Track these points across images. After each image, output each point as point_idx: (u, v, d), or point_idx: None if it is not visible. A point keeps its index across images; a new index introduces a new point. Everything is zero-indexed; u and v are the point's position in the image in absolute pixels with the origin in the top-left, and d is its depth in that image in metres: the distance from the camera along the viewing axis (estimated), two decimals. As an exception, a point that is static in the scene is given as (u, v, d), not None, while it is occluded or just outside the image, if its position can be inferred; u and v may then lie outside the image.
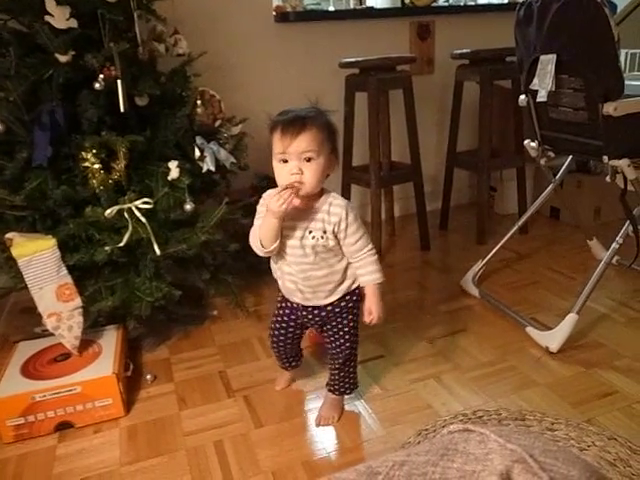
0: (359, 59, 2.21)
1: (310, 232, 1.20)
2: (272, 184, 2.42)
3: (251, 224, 2.29)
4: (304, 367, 1.60)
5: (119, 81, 1.50)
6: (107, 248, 1.51)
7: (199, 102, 1.77)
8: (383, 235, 2.47)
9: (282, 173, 1.17)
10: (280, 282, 1.35)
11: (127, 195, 1.52)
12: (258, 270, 2.24)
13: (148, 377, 1.59)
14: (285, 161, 1.15)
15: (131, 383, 1.56)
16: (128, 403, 1.47)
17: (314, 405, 1.43)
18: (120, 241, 1.51)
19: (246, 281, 2.10)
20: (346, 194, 2.52)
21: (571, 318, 1.55)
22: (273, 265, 1.35)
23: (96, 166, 1.48)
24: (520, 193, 2.50)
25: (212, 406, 1.46)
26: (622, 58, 3.32)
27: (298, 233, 1.21)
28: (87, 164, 1.48)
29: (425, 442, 0.31)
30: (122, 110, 1.53)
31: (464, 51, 2.32)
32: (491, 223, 2.57)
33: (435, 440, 0.35)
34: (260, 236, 1.21)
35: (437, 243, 2.50)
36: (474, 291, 1.94)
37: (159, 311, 1.71)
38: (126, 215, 1.51)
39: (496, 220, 2.69)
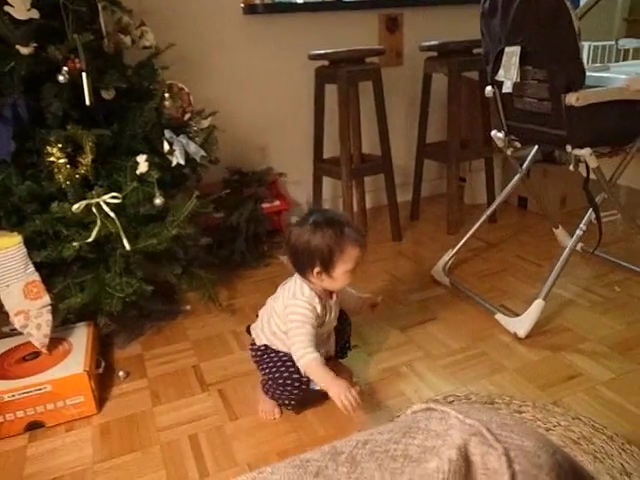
0: (328, 51, 2.21)
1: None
2: (244, 178, 2.44)
3: (223, 219, 2.28)
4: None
5: (84, 74, 1.47)
6: (75, 244, 1.48)
7: (167, 95, 1.75)
8: (355, 227, 2.48)
9: (345, 281, 1.30)
10: None
11: (95, 190, 1.49)
12: (231, 264, 2.24)
13: (121, 374, 1.57)
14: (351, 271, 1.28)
15: (103, 380, 1.54)
16: (100, 400, 1.46)
17: (289, 396, 1.44)
18: (88, 237, 1.48)
19: (219, 275, 2.09)
20: (317, 186, 2.53)
21: (538, 304, 1.60)
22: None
23: (62, 161, 1.45)
24: (489, 183, 2.55)
25: (186, 401, 1.46)
26: (585, 50, 3.40)
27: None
28: (52, 159, 1.45)
29: (389, 423, 0.32)
30: (88, 103, 1.50)
31: (432, 43, 2.34)
32: (461, 213, 2.61)
33: (399, 420, 0.36)
34: (307, 370, 1.25)
35: (408, 234, 2.53)
36: (445, 280, 1.97)
37: (131, 307, 1.70)
38: (94, 210, 1.48)
39: (466, 210, 2.73)
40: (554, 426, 1.10)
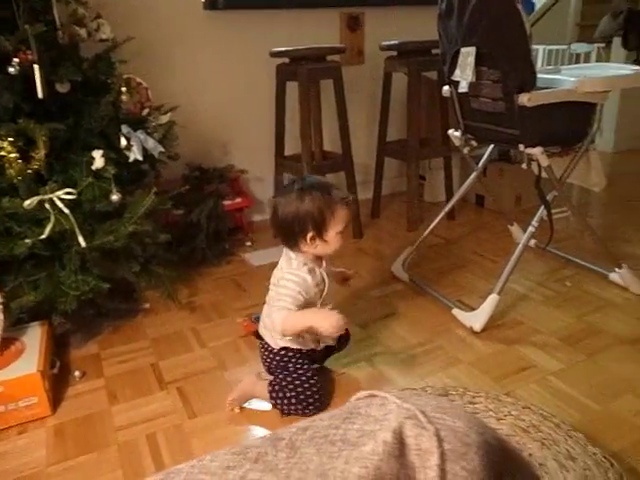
0: (289, 48, 2.22)
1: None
2: (205, 175, 2.42)
3: (184, 216, 2.24)
4: (239, 356, 1.61)
5: (36, 66, 1.43)
6: (28, 241, 1.44)
7: (124, 89, 1.72)
8: (317, 224, 2.50)
9: (338, 242, 1.34)
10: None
11: (48, 185, 1.46)
12: (190, 261, 2.22)
13: (76, 374, 1.54)
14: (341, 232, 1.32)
15: (58, 381, 1.51)
16: (55, 401, 1.43)
17: (248, 393, 1.44)
18: (42, 233, 1.45)
19: (179, 272, 2.06)
20: (279, 183, 2.53)
21: (492, 299, 1.64)
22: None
23: (13, 155, 1.41)
24: (447, 181, 2.60)
25: (144, 399, 1.44)
26: (540, 54, 3.51)
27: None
28: (3, 153, 1.41)
29: (332, 410, 0.33)
30: (40, 96, 1.46)
31: (392, 43, 2.37)
32: (421, 211, 2.65)
33: (342, 407, 0.37)
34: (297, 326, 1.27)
35: (369, 231, 2.56)
36: (404, 276, 2.00)
37: (87, 306, 1.66)
38: (47, 206, 1.45)
39: (426, 208, 2.78)
40: (505, 415, 1.14)
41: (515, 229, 2.21)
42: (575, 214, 1.88)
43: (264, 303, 1.90)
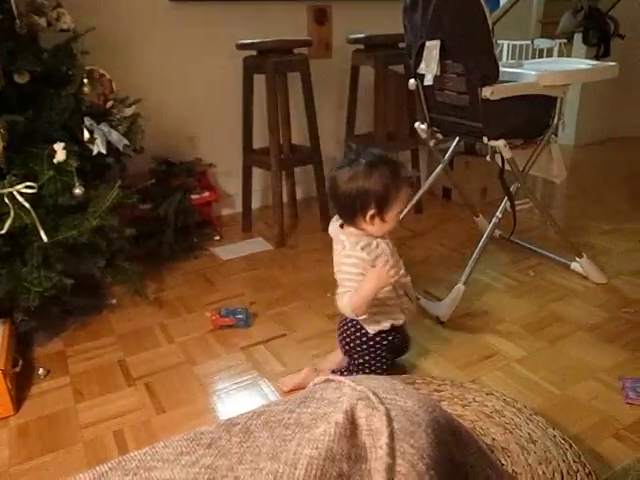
0: (256, 41, 2.20)
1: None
2: (172, 169, 2.39)
3: (151, 210, 2.21)
4: (208, 351, 1.60)
5: (-9, 56, 1.39)
6: (-14, 236, 1.41)
7: (86, 81, 1.69)
8: (285, 218, 2.50)
9: (394, 223, 1.28)
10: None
11: (7, 179, 1.42)
12: (158, 256, 2.19)
13: (40, 372, 1.51)
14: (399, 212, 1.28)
15: (21, 379, 1.47)
16: (18, 400, 1.40)
17: (216, 387, 1.44)
18: (1, 228, 1.41)
19: (146, 267, 2.05)
20: (247, 177, 2.51)
21: (458, 289, 1.67)
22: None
23: (-31, 148, 1.37)
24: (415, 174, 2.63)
25: (111, 396, 1.42)
26: (504, 49, 3.57)
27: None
28: (-41, 146, 1.37)
29: (289, 396, 0.33)
30: (-3, 87, 1.42)
31: (359, 36, 2.38)
32: (389, 204, 2.67)
33: (299, 392, 0.37)
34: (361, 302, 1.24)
35: (338, 224, 2.57)
36: (372, 268, 2.02)
37: (51, 302, 1.63)
38: (7, 200, 1.41)
39: (394, 201, 2.80)
40: (470, 402, 1.17)
41: (480, 220, 2.25)
42: (537, 205, 1.93)
43: (234, 297, 1.91)
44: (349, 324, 1.38)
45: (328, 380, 0.36)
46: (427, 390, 1.20)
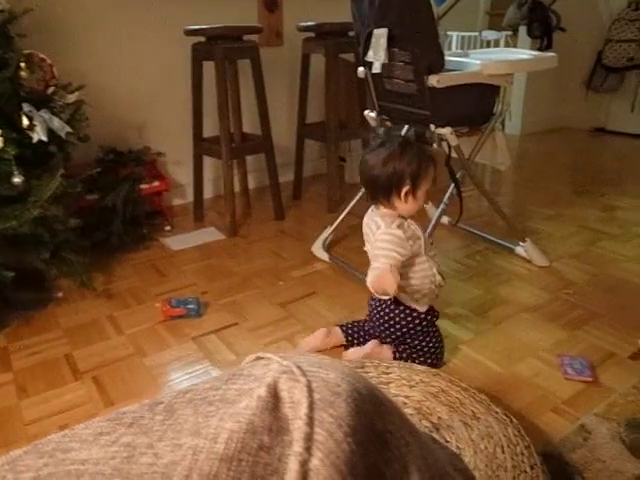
0: (204, 27, 2.16)
1: None
2: (119, 158, 2.33)
3: (98, 200, 2.15)
4: (158, 342, 1.58)
5: None
6: None
7: (24, 65, 1.62)
8: (238, 207, 2.48)
9: (422, 201, 1.34)
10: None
11: (-62, 168, 1.35)
12: (106, 247, 2.14)
13: (-19, 369, 1.46)
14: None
15: (-40, 377, 1.42)
16: (-44, 399, 1.34)
17: (167, 378, 1.42)
18: None
19: (94, 259, 1.99)
20: (198, 166, 2.48)
21: (407, 274, 1.70)
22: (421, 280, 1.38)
23: None
24: (366, 163, 2.65)
25: (57, 391, 1.38)
26: (454, 40, 3.63)
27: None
28: None
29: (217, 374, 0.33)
30: None
31: (309, 24, 2.37)
32: (342, 192, 2.69)
33: (227, 370, 0.38)
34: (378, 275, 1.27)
35: (291, 213, 2.57)
36: (324, 256, 2.04)
37: (-8, 297, 1.57)
38: (-61, 190, 1.35)
39: (347, 189, 2.82)
40: (417, 383, 1.20)
41: (430, 207, 2.29)
42: (483, 192, 1.98)
43: (185, 287, 1.89)
44: (393, 308, 1.41)
45: (258, 357, 0.37)
46: (376, 373, 1.23)
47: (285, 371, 0.31)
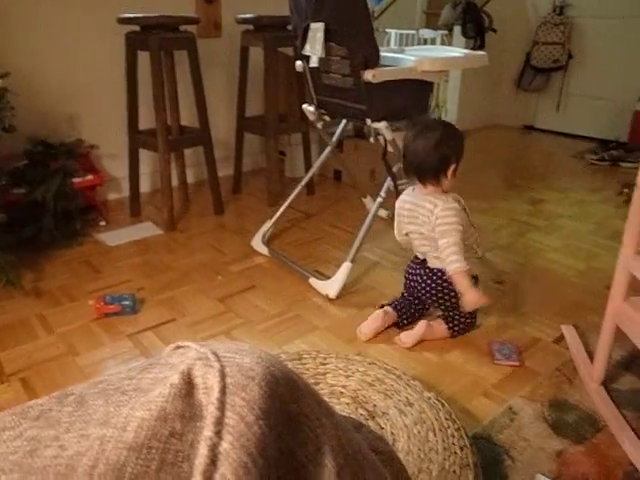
0: (138, 15, 2.10)
1: None
2: (50, 150, 2.23)
3: (26, 194, 2.08)
4: (91, 340, 1.53)
5: None
6: None
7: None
8: (176, 201, 2.43)
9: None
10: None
11: None
12: (36, 244, 2.05)
13: None
14: None
15: None
16: None
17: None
18: None
19: (22, 256, 1.91)
20: (134, 159, 2.41)
21: (345, 267, 1.73)
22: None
23: None
24: (306, 157, 2.67)
25: (-20, 395, 1.32)
26: (392, 37, 3.70)
27: None
28: None
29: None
30: None
31: (248, 16, 2.35)
32: (282, 186, 2.69)
33: (145, 360, 0.37)
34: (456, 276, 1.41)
35: (231, 207, 2.55)
36: (264, 250, 2.03)
37: None
38: None
39: (287, 183, 2.83)
40: (353, 372, 1.22)
41: (368, 201, 2.33)
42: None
43: (120, 283, 1.84)
44: (441, 275, 1.49)
45: (178, 346, 0.37)
46: (314, 364, 1.24)
47: (200, 357, 0.31)
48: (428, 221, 1.44)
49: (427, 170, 1.45)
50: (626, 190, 2.65)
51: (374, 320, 1.55)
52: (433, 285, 1.50)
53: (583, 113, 3.87)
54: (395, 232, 1.61)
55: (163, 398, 0.29)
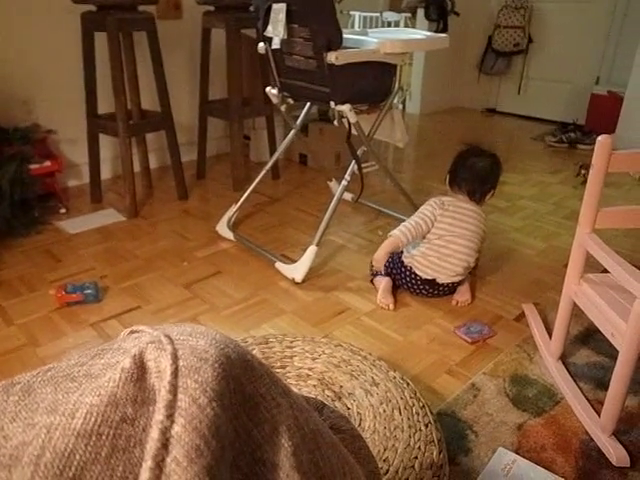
0: (94, -5, 2.02)
1: None
2: (4, 135, 2.14)
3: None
4: (53, 330, 1.50)
5: None
6: None
7: None
8: (138, 187, 2.38)
9: None
10: None
11: None
12: (-9, 233, 1.98)
13: None
14: None
15: None
16: None
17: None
18: None
19: (-24, 246, 1.84)
20: (94, 144, 2.34)
21: (311, 250, 1.73)
22: None
23: None
24: (270, 141, 2.64)
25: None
26: (356, 20, 3.68)
27: None
28: None
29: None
30: None
31: (208, -4, 2.30)
32: (247, 170, 2.67)
33: (97, 346, 0.37)
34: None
35: (195, 192, 2.51)
36: (229, 235, 2.02)
37: None
38: None
39: (251, 167, 2.80)
40: (320, 355, 1.23)
41: (333, 185, 2.34)
42: (382, 167, 2.04)
43: (82, 272, 1.80)
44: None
45: (132, 331, 0.36)
46: (280, 347, 1.25)
47: (153, 341, 0.31)
48: (477, 226, 1.68)
49: (485, 188, 1.65)
50: (583, 171, 2.72)
51: (386, 287, 1.66)
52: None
53: (543, 96, 3.94)
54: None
55: (114, 383, 0.28)
